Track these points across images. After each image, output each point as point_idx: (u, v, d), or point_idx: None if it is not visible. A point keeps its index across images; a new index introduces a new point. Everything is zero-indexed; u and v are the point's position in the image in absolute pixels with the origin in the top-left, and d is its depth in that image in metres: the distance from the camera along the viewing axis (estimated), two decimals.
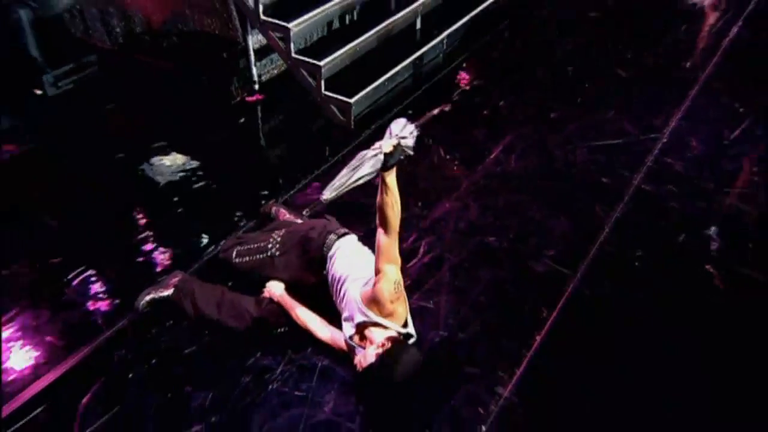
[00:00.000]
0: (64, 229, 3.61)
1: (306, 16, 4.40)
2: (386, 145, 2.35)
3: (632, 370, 2.86)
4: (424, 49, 5.03)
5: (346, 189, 2.41)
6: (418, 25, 5.27)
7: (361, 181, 2.40)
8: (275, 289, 2.93)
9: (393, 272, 2.57)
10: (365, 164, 2.37)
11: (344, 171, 2.41)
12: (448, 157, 4.23)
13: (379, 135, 2.47)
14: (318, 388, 2.74)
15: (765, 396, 2.75)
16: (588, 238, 3.54)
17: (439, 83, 5.05)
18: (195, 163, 4.12)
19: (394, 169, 2.42)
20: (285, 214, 3.44)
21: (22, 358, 2.86)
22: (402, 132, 2.38)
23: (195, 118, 4.56)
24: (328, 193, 2.41)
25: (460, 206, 3.79)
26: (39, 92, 4.77)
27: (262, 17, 4.34)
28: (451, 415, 2.66)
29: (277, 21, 4.32)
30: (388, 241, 2.55)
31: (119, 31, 5.12)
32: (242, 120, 4.62)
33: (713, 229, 3.56)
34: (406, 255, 3.42)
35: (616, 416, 2.70)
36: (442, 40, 5.19)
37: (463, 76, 5.12)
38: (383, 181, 2.41)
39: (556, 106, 4.69)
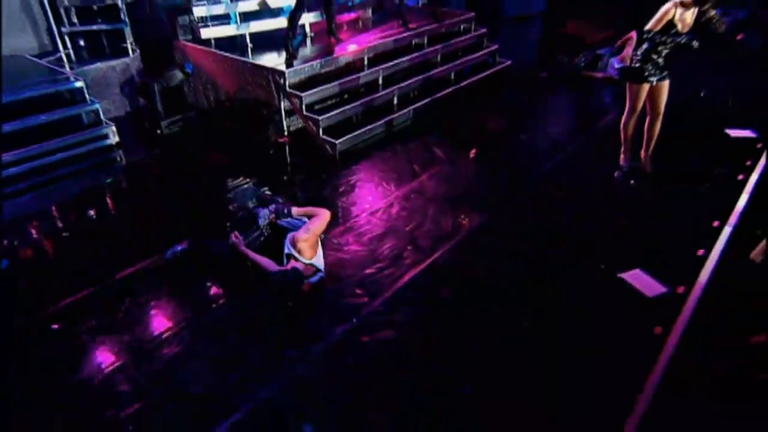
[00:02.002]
0: (176, 202, 4.74)
1: (313, 90, 5.44)
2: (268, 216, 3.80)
3: (464, 304, 3.52)
4: (396, 115, 5.93)
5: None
6: (395, 101, 6.15)
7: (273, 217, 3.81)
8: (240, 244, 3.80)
9: (303, 235, 3.51)
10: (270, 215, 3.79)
11: (265, 213, 3.84)
12: (389, 179, 5.03)
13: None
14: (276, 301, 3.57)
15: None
16: (462, 227, 4.23)
17: (404, 136, 5.88)
18: (246, 177, 5.08)
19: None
20: None
21: None
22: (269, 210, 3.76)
23: (246, 151, 5.61)
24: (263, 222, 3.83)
25: (386, 205, 4.58)
26: (159, 132, 5.99)
27: (288, 89, 5.39)
28: (335, 314, 3.43)
29: (296, 92, 5.37)
30: (311, 224, 3.49)
31: (212, 98, 6.34)
32: (272, 152, 5.62)
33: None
34: (347, 230, 4.27)
35: (450, 332, 3.37)
36: (408, 111, 6.06)
37: (418, 133, 5.92)
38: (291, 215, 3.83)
39: (467, 157, 5.44)
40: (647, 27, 4.30)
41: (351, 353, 3.17)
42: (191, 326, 3.38)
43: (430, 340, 3.23)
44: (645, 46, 4.42)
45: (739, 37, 8.50)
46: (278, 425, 2.76)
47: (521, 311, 3.40)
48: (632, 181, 4.84)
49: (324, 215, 3.69)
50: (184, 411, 2.85)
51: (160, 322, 3.42)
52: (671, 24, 4.24)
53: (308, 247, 3.50)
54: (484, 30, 7.48)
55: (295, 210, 3.87)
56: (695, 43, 4.34)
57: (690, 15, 4.22)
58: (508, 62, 7.52)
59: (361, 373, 3.03)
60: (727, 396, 2.79)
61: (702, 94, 6.08)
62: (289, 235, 3.59)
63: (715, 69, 7.16)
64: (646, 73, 4.49)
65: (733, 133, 5.48)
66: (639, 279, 3.60)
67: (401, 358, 3.12)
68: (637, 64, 4.51)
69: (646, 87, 4.57)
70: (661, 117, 4.69)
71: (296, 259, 3.47)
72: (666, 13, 4.23)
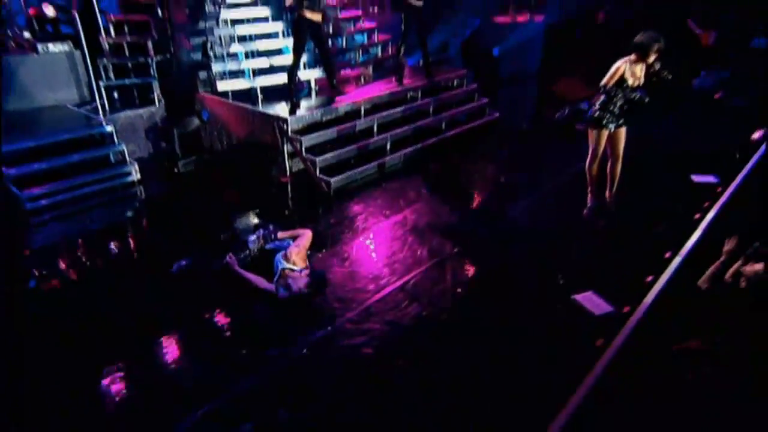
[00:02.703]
0: (185, 229, 5.30)
1: (311, 135, 6.07)
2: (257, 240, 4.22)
3: (432, 318, 3.89)
4: (387, 158, 6.49)
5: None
6: (388, 146, 6.74)
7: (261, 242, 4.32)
8: (233, 264, 4.24)
9: (295, 249, 3.98)
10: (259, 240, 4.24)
11: (253, 238, 4.28)
12: (377, 213, 5.51)
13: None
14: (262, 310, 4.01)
15: None
16: (436, 255, 4.64)
17: (394, 177, 6.40)
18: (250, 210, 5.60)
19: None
20: None
21: None
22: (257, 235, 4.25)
23: (252, 188, 6.19)
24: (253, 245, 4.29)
25: (371, 235, 5.04)
26: (176, 170, 6.64)
27: (290, 134, 6.02)
28: (314, 322, 3.81)
29: (297, 136, 5.99)
30: (299, 241, 3.98)
31: (225, 141, 7.02)
32: (275, 190, 6.18)
33: None
34: (333, 254, 4.71)
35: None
36: (400, 155, 6.62)
37: (408, 174, 6.45)
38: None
39: (451, 195, 5.92)
40: (602, 82, 4.84)
41: (326, 354, 3.53)
42: (188, 329, 3.79)
43: (395, 344, 3.59)
44: (602, 98, 4.95)
45: (717, 96, 9.07)
46: (253, 413, 3.11)
47: (484, 324, 3.74)
48: (597, 218, 5.22)
49: (307, 234, 4.19)
50: (173, 397, 3.22)
51: (161, 325, 3.84)
52: (623, 79, 4.77)
53: (300, 259, 3.97)
54: (474, 86, 8.16)
55: (281, 234, 4.36)
56: (646, 99, 4.85)
57: (639, 69, 4.76)
58: (497, 114, 8.13)
59: (334, 371, 3.38)
60: (655, 400, 3.05)
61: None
62: (280, 254, 4.05)
63: (690, 121, 7.66)
64: (605, 121, 4.99)
65: (697, 178, 5.87)
66: (589, 300, 3.93)
67: (371, 358, 3.47)
68: (597, 113, 5.02)
69: (605, 133, 5.05)
70: (620, 160, 5.14)
71: (292, 270, 3.91)
72: (617, 69, 4.78)
